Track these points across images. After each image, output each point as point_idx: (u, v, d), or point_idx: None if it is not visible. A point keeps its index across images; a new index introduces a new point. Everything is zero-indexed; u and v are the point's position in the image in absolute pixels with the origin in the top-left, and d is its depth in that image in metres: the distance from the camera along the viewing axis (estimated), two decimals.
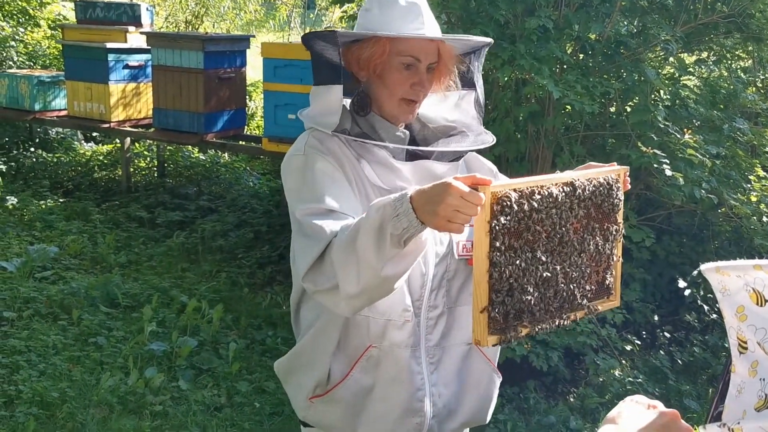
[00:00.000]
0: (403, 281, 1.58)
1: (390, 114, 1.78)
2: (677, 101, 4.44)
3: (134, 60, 6.71)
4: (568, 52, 4.35)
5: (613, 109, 4.64)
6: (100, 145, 8.21)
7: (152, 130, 6.57)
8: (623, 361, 4.06)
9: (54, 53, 8.77)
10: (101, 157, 7.86)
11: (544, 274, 1.53)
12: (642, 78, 4.12)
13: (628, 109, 4.37)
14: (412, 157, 1.77)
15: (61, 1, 9.21)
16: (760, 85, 5.25)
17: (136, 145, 7.76)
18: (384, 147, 1.72)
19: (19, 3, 8.48)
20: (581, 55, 4.46)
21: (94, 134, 8.14)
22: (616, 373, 3.94)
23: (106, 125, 6.66)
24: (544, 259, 1.53)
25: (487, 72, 4.26)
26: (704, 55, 5.06)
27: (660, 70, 4.71)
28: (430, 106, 1.89)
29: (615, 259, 1.72)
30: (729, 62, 5.24)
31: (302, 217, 1.65)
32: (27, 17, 8.59)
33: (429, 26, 1.74)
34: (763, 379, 0.77)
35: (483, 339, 1.48)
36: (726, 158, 4.29)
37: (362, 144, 1.72)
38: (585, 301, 1.63)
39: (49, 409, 3.55)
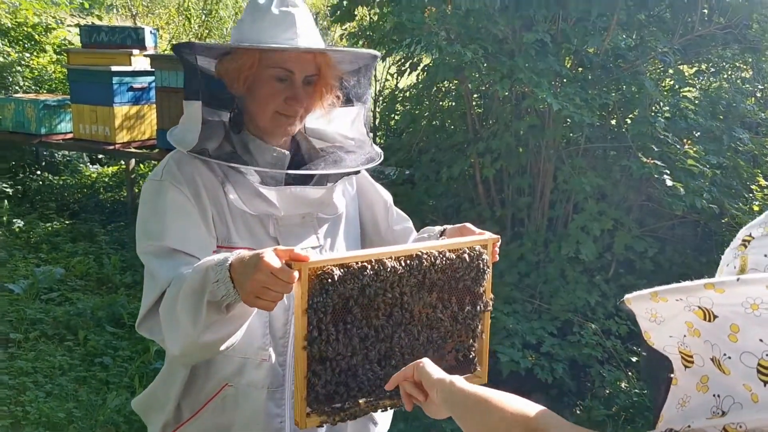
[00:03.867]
0: (233, 342, 1.48)
1: (264, 130, 1.66)
2: (677, 112, 4.46)
3: (138, 82, 6.78)
4: (567, 65, 4.39)
5: (613, 122, 4.66)
6: (105, 167, 8.27)
7: (156, 150, 6.62)
8: (629, 373, 4.05)
9: (59, 77, 8.87)
10: (106, 179, 7.92)
11: (381, 351, 1.44)
12: (641, 90, 4.15)
13: (629, 122, 4.40)
14: (292, 178, 1.66)
15: (66, 26, 9.33)
16: (760, 95, 5.28)
17: (141, 166, 7.81)
18: (248, 171, 1.59)
19: (25, 29, 8.59)
20: (580, 69, 4.50)
21: (100, 156, 8.21)
22: (623, 385, 3.93)
23: (111, 147, 6.72)
24: (382, 335, 1.44)
25: (487, 86, 4.30)
26: (703, 66, 5.09)
27: (660, 82, 4.75)
28: (327, 121, 1.79)
29: (479, 332, 1.60)
30: (729, 73, 5.27)
31: (143, 254, 1.57)
32: (33, 42, 8.70)
33: (304, 36, 1.61)
34: (718, 396, 0.78)
35: (302, 420, 1.37)
36: (727, 168, 4.31)
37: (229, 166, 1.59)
38: None
39: (56, 430, 3.56)
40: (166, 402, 1.70)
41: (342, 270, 1.37)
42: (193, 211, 1.58)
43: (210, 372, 1.64)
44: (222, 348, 1.47)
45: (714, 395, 0.78)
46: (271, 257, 1.30)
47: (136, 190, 7.29)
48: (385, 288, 1.42)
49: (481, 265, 1.55)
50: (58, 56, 8.93)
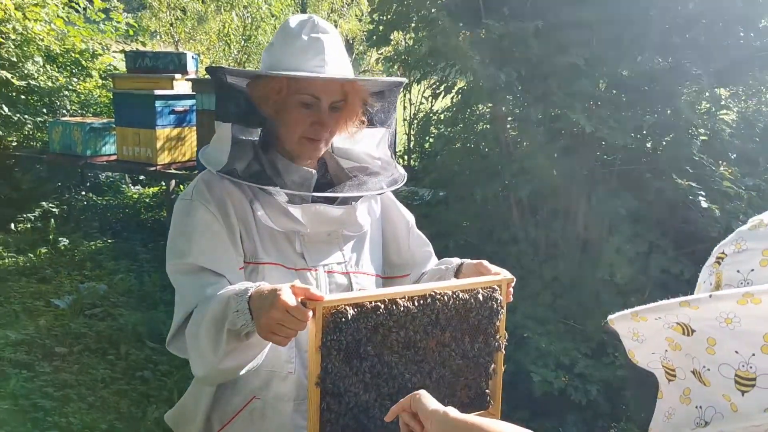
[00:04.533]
0: (253, 367, 1.53)
1: (293, 152, 1.71)
2: (712, 135, 4.45)
3: (180, 105, 6.99)
4: (601, 88, 4.42)
5: (649, 145, 4.67)
6: (146, 187, 8.50)
7: (196, 171, 6.80)
8: None
9: (104, 101, 9.18)
10: (147, 199, 8.13)
11: (393, 388, 1.47)
12: (676, 113, 4.16)
13: (664, 144, 4.40)
14: (318, 196, 1.71)
15: (111, 52, 9.66)
16: None
17: (181, 186, 8.01)
18: (276, 192, 1.64)
19: (73, 55, 8.92)
20: (614, 91, 4.52)
21: (141, 177, 8.45)
22: None
23: (153, 168, 6.93)
24: (394, 372, 1.47)
25: (521, 109, 4.35)
26: (740, 89, 5.07)
27: (696, 105, 4.74)
28: (354, 142, 1.83)
29: (492, 370, 1.61)
30: (766, 96, 5.24)
31: (172, 273, 1.63)
32: (80, 68, 9.02)
33: (332, 64, 1.64)
34: (700, 407, 0.81)
35: None
36: (763, 190, 4.27)
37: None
38: None
39: None
40: (196, 415, 1.74)
41: (355, 309, 1.41)
42: (221, 230, 1.63)
43: (238, 385, 1.68)
44: (242, 372, 1.52)
45: (696, 406, 0.81)
46: (288, 295, 1.34)
47: None
48: (397, 327, 1.46)
49: (495, 306, 1.58)
50: (104, 81, 9.25)
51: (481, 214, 5.05)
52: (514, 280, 1.64)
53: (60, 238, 6.70)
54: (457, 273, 1.75)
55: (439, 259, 1.95)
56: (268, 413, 1.68)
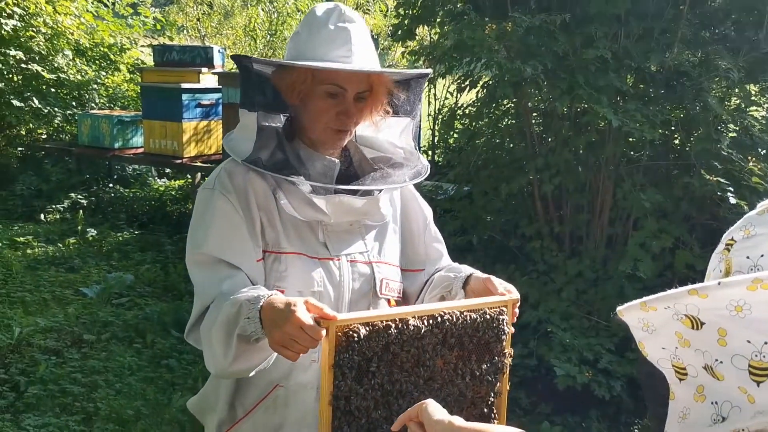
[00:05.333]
0: (263, 368, 1.56)
1: (317, 141, 1.71)
2: (742, 130, 4.40)
3: (206, 99, 7.07)
4: (629, 83, 4.38)
5: (677, 141, 4.62)
6: (172, 180, 8.60)
7: None
8: None
9: (132, 95, 9.31)
10: (173, 192, 8.23)
11: (403, 406, 1.48)
12: (705, 108, 4.12)
13: (692, 140, 4.36)
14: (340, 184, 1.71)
15: (139, 47, 9.78)
16: None
17: (206, 179, 8.09)
18: (299, 182, 1.64)
19: (102, 49, 9.05)
20: (641, 86, 4.48)
21: (167, 171, 8.55)
22: None
23: (179, 161, 7.01)
24: (404, 390, 1.49)
25: (546, 102, 4.33)
26: None
27: (726, 101, 4.69)
28: (377, 130, 1.83)
29: (498, 389, 1.62)
30: None
31: (189, 263, 1.65)
32: (108, 62, 9.15)
33: (358, 54, 1.63)
34: (716, 403, 0.79)
35: None
36: None
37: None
38: None
39: (125, 426, 3.73)
40: (217, 403, 1.77)
41: (367, 328, 1.43)
42: (240, 222, 1.62)
43: (261, 374, 1.68)
44: (251, 374, 1.55)
45: (712, 402, 0.78)
46: (303, 312, 1.36)
47: None
48: (408, 346, 1.48)
49: (501, 326, 1.59)
50: (132, 75, 9.37)
51: (505, 209, 5.04)
52: (519, 300, 1.64)
53: (88, 229, 6.81)
54: (465, 284, 1.75)
55: (451, 256, 1.95)
56: (291, 401, 1.70)
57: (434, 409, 1.26)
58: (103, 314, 4.99)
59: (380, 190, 1.74)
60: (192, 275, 1.65)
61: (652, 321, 0.83)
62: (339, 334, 1.40)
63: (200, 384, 4.09)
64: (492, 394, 1.63)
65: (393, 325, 1.46)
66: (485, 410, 1.63)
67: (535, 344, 4.10)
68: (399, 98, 1.78)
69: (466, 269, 1.81)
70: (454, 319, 1.52)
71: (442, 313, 1.52)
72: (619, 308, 0.86)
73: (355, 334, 1.41)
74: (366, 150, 1.86)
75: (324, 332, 1.37)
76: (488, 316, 1.57)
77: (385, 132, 1.84)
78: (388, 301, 1.81)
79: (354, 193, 1.71)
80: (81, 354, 4.46)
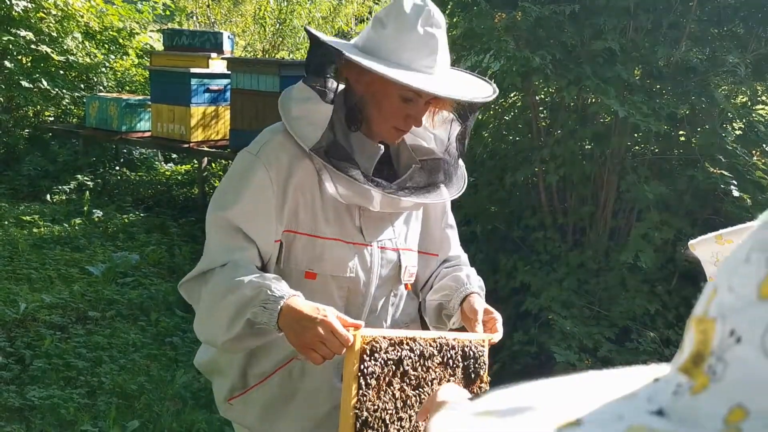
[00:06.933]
0: (247, 349, 1.65)
1: (376, 134, 1.70)
2: (747, 126, 4.42)
3: (215, 84, 7.09)
4: (636, 76, 4.41)
5: (682, 137, 4.65)
6: (178, 165, 8.64)
7: (228, 150, 6.90)
8: None
9: (140, 80, 9.34)
10: (179, 177, 8.27)
11: (408, 421, 1.56)
12: (711, 102, 4.14)
13: (698, 134, 4.38)
14: (377, 171, 1.72)
15: (148, 32, 9.80)
16: None
17: (213, 165, 8.14)
18: (354, 179, 1.63)
19: (111, 33, 9.08)
20: (648, 80, 4.51)
21: (173, 156, 8.59)
22: None
23: (186, 145, 7.04)
24: (409, 403, 1.56)
25: (553, 91, 4.36)
26: None
27: (732, 98, 4.71)
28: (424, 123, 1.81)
29: None
30: None
31: (210, 222, 1.67)
32: (117, 46, 9.18)
33: (441, 64, 1.62)
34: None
35: None
36: None
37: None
38: None
39: (128, 400, 3.78)
40: (229, 369, 1.79)
41: (387, 341, 1.52)
42: (272, 198, 1.64)
43: (278, 347, 1.70)
44: (234, 355, 1.64)
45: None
46: (334, 318, 1.43)
47: (207, 189, 7.61)
48: (417, 364, 1.57)
49: (482, 359, 1.71)
50: (140, 60, 9.40)
51: (509, 199, 5.08)
52: (494, 338, 1.73)
53: (94, 210, 6.85)
54: (463, 299, 1.80)
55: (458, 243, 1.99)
56: (307, 373, 1.73)
57: (447, 394, 1.29)
58: (108, 292, 5.04)
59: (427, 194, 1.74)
60: (208, 232, 1.68)
61: (725, 254, 0.81)
62: (363, 344, 1.47)
63: None
64: None
65: (405, 342, 1.55)
66: None
67: (535, 332, 4.14)
68: (462, 110, 1.78)
69: (466, 289, 1.82)
70: (451, 346, 1.64)
71: (443, 339, 1.63)
72: (691, 242, 0.86)
73: (378, 345, 1.49)
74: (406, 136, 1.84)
75: (351, 338, 1.44)
76: (474, 348, 1.69)
77: (438, 129, 1.82)
78: (406, 285, 1.86)
79: (390, 179, 1.71)
80: (86, 330, 4.51)
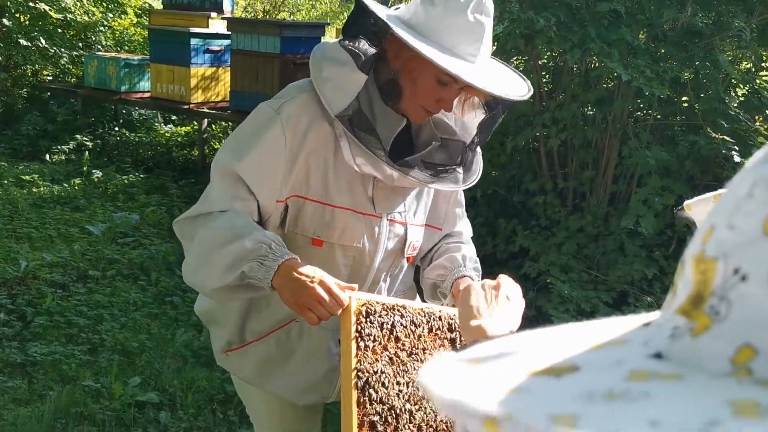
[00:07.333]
0: (232, 301, 1.68)
1: (404, 111, 1.67)
2: (751, 92, 4.40)
3: (215, 45, 7.01)
4: (641, 39, 4.36)
5: (685, 104, 4.62)
6: (178, 127, 8.60)
7: (229, 112, 6.86)
8: None
9: (139, 40, 9.24)
10: (179, 138, 8.23)
11: (406, 387, 1.57)
12: (715, 66, 4.11)
13: (701, 99, 4.36)
14: (394, 144, 1.68)
15: None
16: None
17: (213, 126, 8.09)
18: (378, 158, 1.61)
19: None
20: (653, 44, 4.47)
21: (173, 118, 8.54)
22: None
23: (186, 106, 6.99)
24: (405, 368, 1.58)
25: (556, 55, 4.32)
26: None
27: (737, 64, 4.67)
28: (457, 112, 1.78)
29: None
30: None
31: (216, 168, 1.66)
32: (115, 4, 9.07)
33: (484, 53, 1.59)
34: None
35: None
36: None
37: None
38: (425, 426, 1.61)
39: (129, 357, 3.82)
40: (226, 322, 1.81)
41: (381, 306, 1.55)
42: (283, 158, 1.62)
43: (277, 308, 1.71)
44: (219, 303, 1.68)
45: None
46: (330, 280, 1.46)
47: (207, 150, 7.58)
48: (407, 332, 1.59)
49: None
50: (139, 19, 9.29)
51: (510, 164, 5.07)
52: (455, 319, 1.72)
53: (93, 171, 6.83)
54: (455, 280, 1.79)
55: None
56: (305, 334, 1.75)
57: (476, 293, 1.41)
58: (109, 252, 5.05)
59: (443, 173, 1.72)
60: (212, 177, 1.67)
61: None
62: (359, 306, 1.49)
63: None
64: None
65: (397, 309, 1.57)
66: None
67: (534, 295, 4.17)
68: (493, 101, 1.71)
69: (462, 268, 1.80)
70: (438, 317, 1.66)
71: (431, 309, 1.66)
72: (687, 201, 0.81)
73: (372, 308, 1.51)
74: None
75: (347, 300, 1.46)
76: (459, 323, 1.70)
77: (466, 115, 1.78)
78: (408, 258, 1.86)
79: (409, 149, 1.70)
80: (86, 288, 4.54)
